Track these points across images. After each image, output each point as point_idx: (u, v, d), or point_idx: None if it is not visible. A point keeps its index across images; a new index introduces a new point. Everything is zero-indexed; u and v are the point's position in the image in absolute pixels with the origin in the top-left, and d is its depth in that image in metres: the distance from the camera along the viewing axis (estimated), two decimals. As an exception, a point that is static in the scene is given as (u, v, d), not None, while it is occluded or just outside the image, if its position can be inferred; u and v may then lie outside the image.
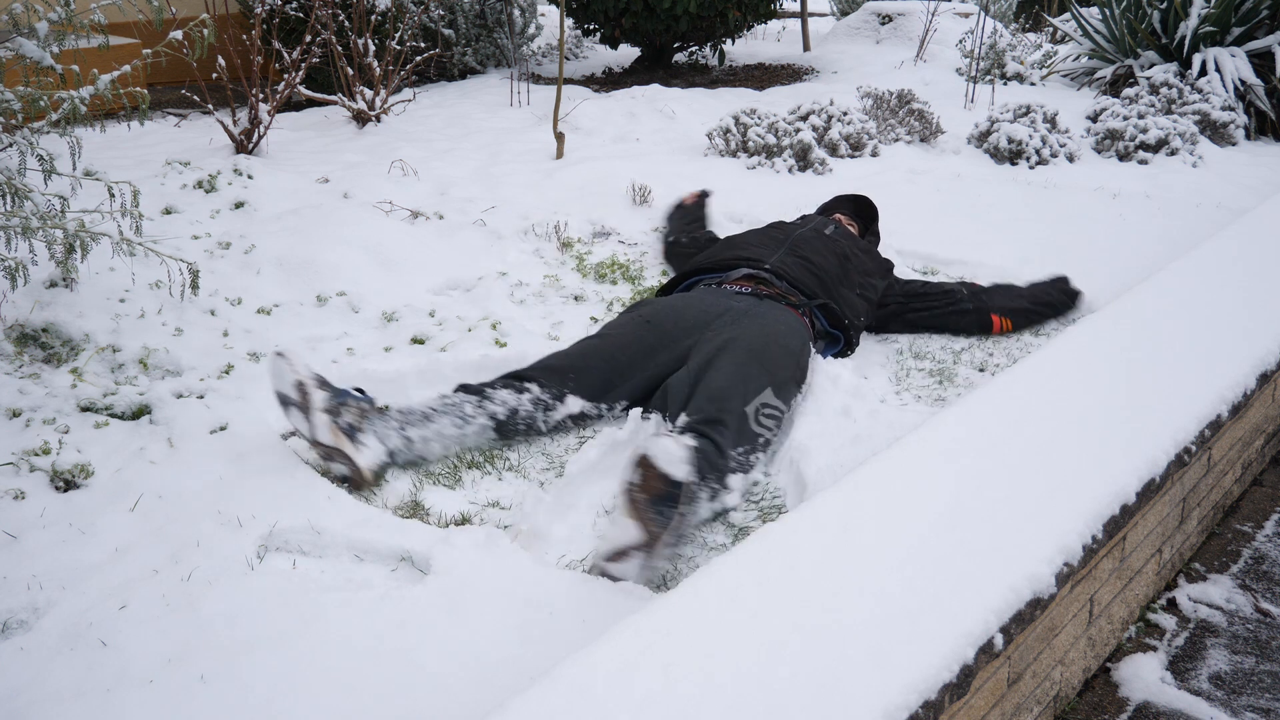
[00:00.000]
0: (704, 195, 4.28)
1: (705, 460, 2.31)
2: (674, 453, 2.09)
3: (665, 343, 2.76)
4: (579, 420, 2.67)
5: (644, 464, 2.10)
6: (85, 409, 2.65)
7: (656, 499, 2.08)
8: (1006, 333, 3.32)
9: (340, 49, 5.85)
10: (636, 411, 2.65)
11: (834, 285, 3.13)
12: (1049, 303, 3.41)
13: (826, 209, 3.86)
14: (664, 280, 3.65)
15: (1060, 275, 3.53)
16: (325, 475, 2.41)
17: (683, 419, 2.48)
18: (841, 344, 3.09)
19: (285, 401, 2.41)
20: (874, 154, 5.48)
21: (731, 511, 2.38)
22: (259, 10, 4.97)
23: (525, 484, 2.48)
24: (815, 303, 3.02)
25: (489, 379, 2.66)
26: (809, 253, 3.18)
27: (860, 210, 3.82)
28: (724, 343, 2.69)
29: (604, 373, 2.68)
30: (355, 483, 2.38)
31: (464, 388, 2.60)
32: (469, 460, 2.55)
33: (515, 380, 2.61)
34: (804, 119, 5.50)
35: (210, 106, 5.24)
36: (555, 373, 2.64)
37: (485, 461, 2.56)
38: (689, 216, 4.09)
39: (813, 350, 2.88)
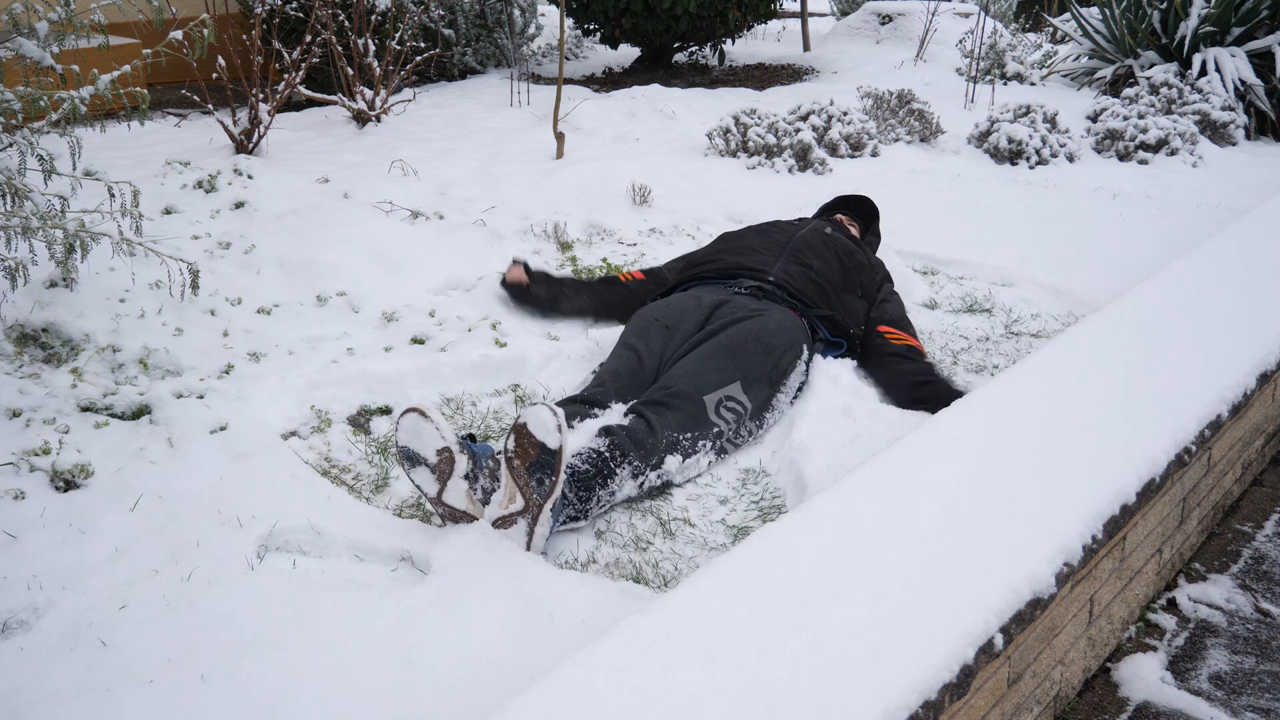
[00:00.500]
0: (520, 264, 3.43)
1: (630, 438, 2.37)
2: (547, 421, 2.12)
3: (684, 339, 2.81)
4: None
5: (520, 431, 2.14)
6: (85, 409, 2.65)
7: (532, 466, 2.13)
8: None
9: (340, 49, 5.85)
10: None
11: (836, 293, 3.12)
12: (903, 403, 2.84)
13: (827, 209, 3.86)
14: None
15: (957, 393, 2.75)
16: (326, 476, 2.41)
17: (633, 403, 2.54)
18: (844, 349, 3.09)
19: (415, 460, 2.21)
20: (874, 154, 5.48)
21: (674, 488, 2.47)
22: (259, 10, 4.97)
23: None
24: (818, 313, 3.02)
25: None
26: (811, 258, 3.18)
27: (860, 210, 3.82)
28: (707, 335, 2.76)
29: (651, 383, 2.71)
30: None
31: None
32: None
33: (585, 406, 2.59)
34: (804, 119, 5.50)
35: (210, 106, 5.24)
36: (619, 395, 2.64)
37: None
38: (562, 288, 3.38)
39: (807, 353, 2.88)
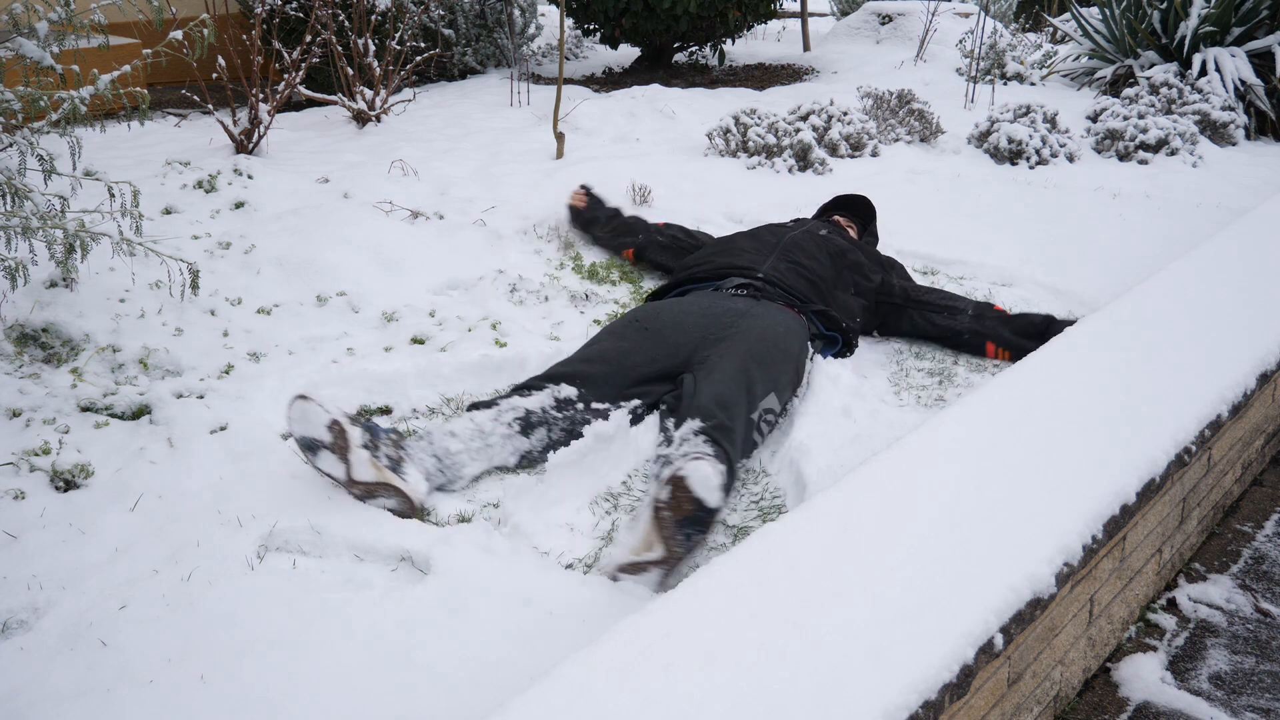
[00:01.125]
0: (585, 189, 4.13)
1: (730, 480, 2.33)
2: (710, 479, 2.07)
3: (664, 349, 2.74)
4: (591, 415, 2.59)
5: (677, 484, 2.08)
6: (85, 409, 2.65)
7: (684, 521, 2.07)
8: (1002, 360, 3.13)
9: (340, 49, 5.85)
10: (622, 410, 2.64)
11: (828, 289, 3.12)
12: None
13: (824, 210, 3.86)
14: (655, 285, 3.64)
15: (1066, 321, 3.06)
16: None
17: (695, 424, 2.42)
18: (840, 345, 3.08)
19: (314, 446, 2.25)
20: (874, 154, 5.48)
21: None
22: (259, 10, 4.97)
23: (513, 479, 2.46)
24: (811, 308, 3.02)
25: (498, 393, 2.62)
26: (801, 256, 3.17)
27: (858, 211, 3.82)
28: (726, 346, 2.69)
29: (608, 376, 2.66)
30: (404, 513, 2.29)
31: (476, 405, 2.55)
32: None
33: (524, 389, 2.59)
34: (804, 119, 5.50)
35: (210, 106, 5.24)
36: (562, 378, 2.63)
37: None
38: (602, 212, 3.99)
39: (811, 350, 2.88)
